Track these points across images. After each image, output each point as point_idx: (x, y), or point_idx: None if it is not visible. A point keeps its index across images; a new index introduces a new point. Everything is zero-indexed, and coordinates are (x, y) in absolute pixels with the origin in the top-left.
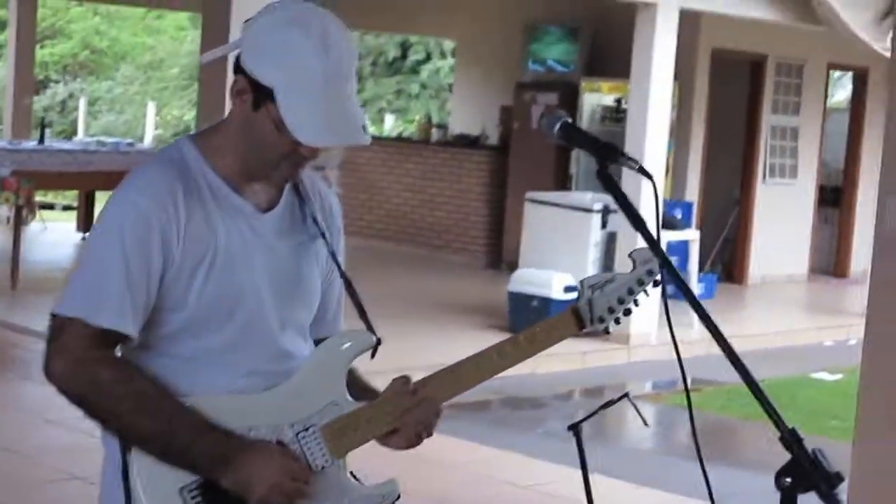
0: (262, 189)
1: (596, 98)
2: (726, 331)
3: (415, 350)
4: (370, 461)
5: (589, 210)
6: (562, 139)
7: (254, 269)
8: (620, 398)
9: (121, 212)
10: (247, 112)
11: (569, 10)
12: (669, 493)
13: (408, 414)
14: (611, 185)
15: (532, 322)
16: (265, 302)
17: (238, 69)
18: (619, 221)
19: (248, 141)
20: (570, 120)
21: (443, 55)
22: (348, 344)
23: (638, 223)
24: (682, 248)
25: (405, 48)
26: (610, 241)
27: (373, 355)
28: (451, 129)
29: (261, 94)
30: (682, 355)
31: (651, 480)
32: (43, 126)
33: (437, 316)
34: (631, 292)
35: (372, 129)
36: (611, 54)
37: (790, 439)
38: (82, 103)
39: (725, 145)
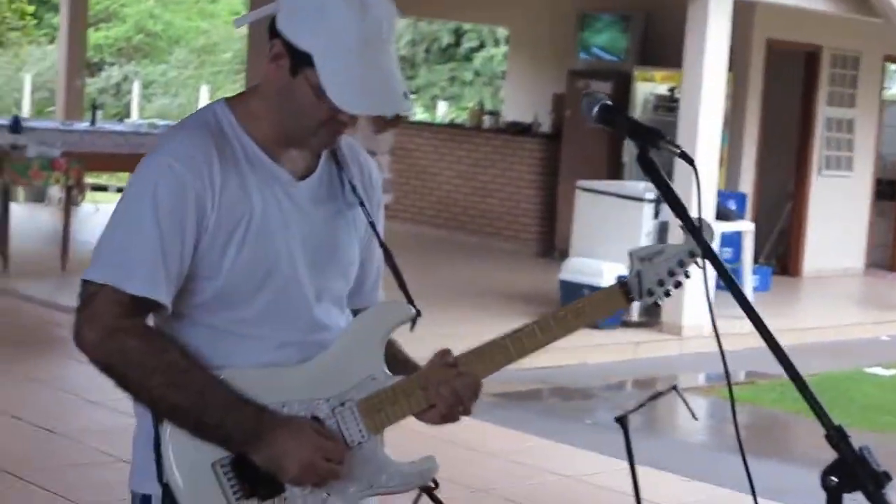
0: (299, 156)
1: (649, 87)
2: (780, 324)
3: (464, 337)
4: (410, 446)
5: (641, 199)
6: (601, 122)
7: (289, 237)
8: (668, 391)
9: (154, 176)
10: (284, 78)
11: None
12: (718, 487)
13: (445, 387)
14: (652, 170)
15: None
16: (300, 270)
17: (274, 33)
18: (670, 212)
19: (286, 107)
20: (610, 102)
21: (496, 43)
22: (387, 315)
23: (679, 210)
24: (735, 239)
25: (459, 35)
26: (662, 231)
27: (412, 327)
28: (503, 117)
29: (298, 60)
30: (736, 347)
31: (700, 474)
32: (94, 108)
33: (488, 303)
34: (682, 264)
35: (424, 116)
36: (664, 43)
37: (836, 437)
38: (136, 86)
39: (780, 137)
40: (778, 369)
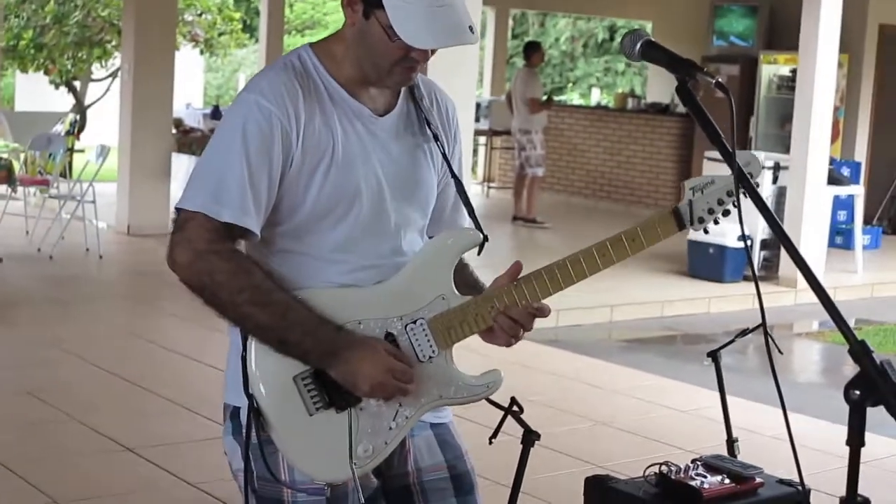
0: (379, 94)
1: (773, 69)
2: (886, 277)
3: (603, 290)
4: (542, 386)
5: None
6: (643, 58)
7: (371, 169)
8: (755, 328)
9: (244, 112)
10: (359, 21)
11: None
12: (818, 420)
13: (510, 310)
14: (689, 99)
15: (709, 268)
16: (381, 200)
17: None
18: (787, 178)
19: (363, 49)
20: (652, 39)
21: None
22: (456, 240)
23: (714, 137)
24: (848, 202)
25: (612, 31)
26: (780, 195)
27: (479, 252)
28: (646, 99)
29: (370, 3)
30: (849, 297)
31: (800, 407)
32: None
33: (629, 261)
34: (729, 194)
35: (580, 101)
36: (787, 29)
37: (859, 351)
38: None
39: (892, 112)
40: (884, 316)
